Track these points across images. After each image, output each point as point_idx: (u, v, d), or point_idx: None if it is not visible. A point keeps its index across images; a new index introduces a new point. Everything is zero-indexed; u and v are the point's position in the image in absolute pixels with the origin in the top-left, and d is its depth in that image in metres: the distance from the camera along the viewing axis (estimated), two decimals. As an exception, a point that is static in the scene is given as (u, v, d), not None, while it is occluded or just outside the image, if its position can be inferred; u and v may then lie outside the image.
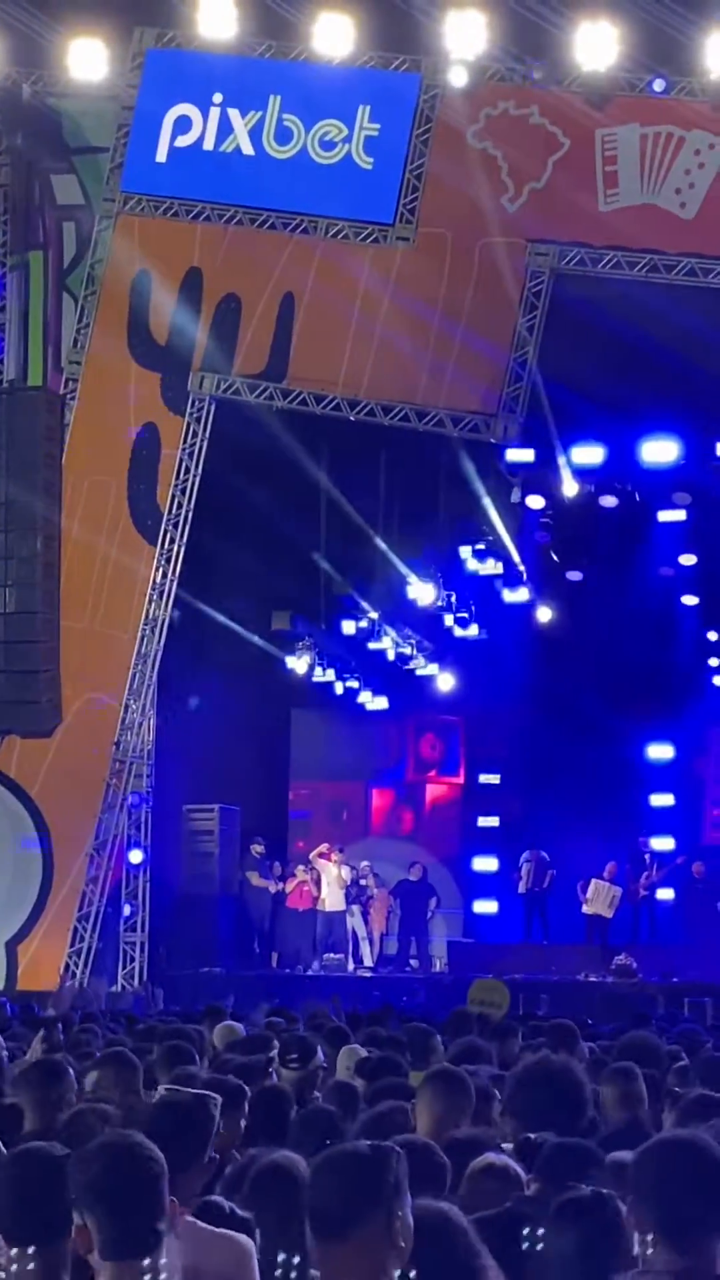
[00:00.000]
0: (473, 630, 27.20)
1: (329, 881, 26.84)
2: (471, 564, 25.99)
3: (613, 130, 22.07)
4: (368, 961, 27.29)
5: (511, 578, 26.31)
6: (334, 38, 22.16)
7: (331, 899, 26.82)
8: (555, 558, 26.50)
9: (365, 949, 27.56)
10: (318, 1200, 4.11)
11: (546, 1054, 6.75)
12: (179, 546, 23.53)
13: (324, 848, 27.30)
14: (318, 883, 26.95)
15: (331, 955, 26.24)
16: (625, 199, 22.19)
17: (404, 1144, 4.57)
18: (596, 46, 21.51)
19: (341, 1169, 4.12)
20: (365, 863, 28.92)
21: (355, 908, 27.58)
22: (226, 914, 25.94)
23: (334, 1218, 4.04)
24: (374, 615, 26.99)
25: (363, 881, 27.96)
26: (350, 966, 26.68)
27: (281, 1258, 5.03)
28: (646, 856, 27.90)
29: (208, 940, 25.26)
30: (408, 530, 26.39)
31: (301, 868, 27.67)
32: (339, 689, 28.31)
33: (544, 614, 27.20)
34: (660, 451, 23.23)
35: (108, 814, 23.00)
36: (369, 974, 26.10)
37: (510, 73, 22.26)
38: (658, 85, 21.77)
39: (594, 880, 26.91)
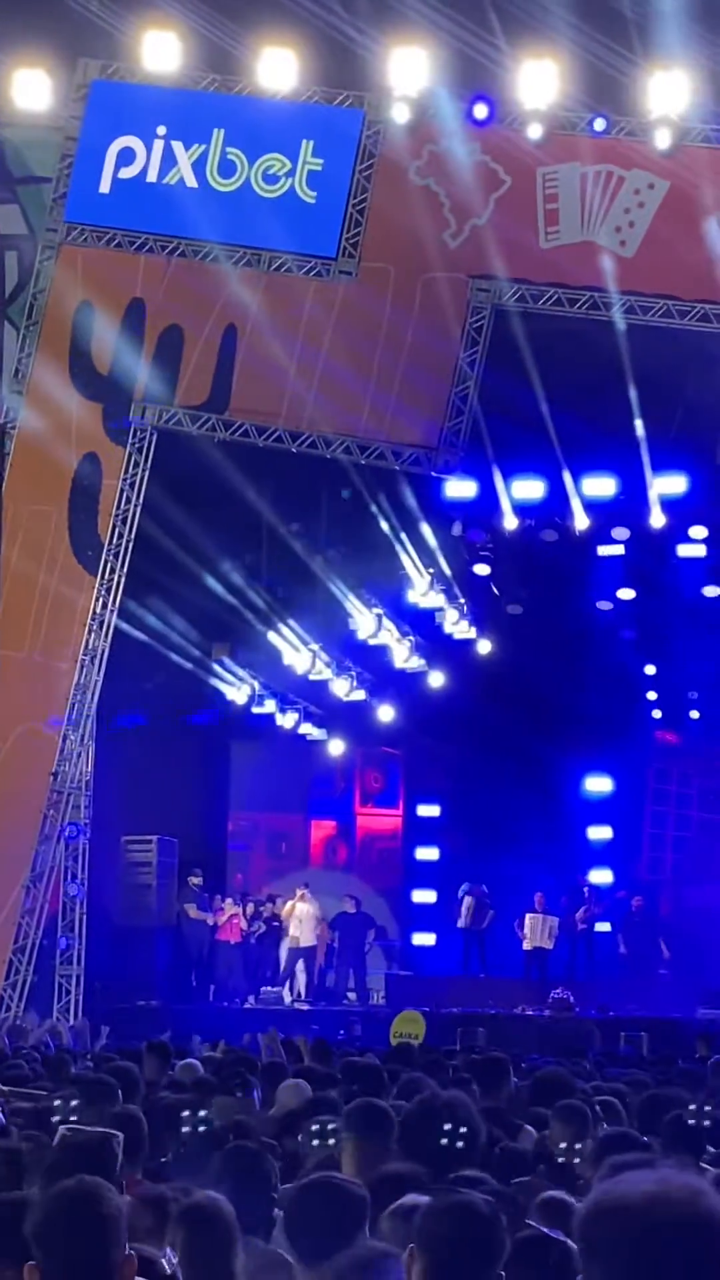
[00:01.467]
0: (414, 662, 27.23)
1: (301, 918, 26.89)
2: (412, 596, 26.05)
3: (554, 168, 22.25)
4: (304, 994, 27.22)
5: (452, 611, 26.39)
6: (278, 72, 22.28)
7: (305, 935, 26.92)
8: (495, 591, 26.58)
9: (301, 981, 27.49)
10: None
11: (432, 1092, 6.73)
12: (119, 577, 23.50)
13: (303, 890, 27.41)
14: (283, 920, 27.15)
15: (268, 989, 26.17)
16: (566, 237, 22.35)
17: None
18: (539, 85, 21.68)
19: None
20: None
21: (290, 939, 27.54)
22: (164, 946, 25.83)
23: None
24: (315, 647, 26.98)
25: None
26: (288, 999, 26.62)
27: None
28: (585, 890, 28.00)
29: (145, 973, 25.14)
30: (349, 562, 26.43)
31: (230, 900, 27.57)
32: (279, 720, 28.27)
33: (484, 647, 27.27)
34: (599, 487, 23.39)
35: (45, 845, 22.87)
36: (306, 1007, 26.03)
37: (453, 110, 22.38)
38: (598, 124, 21.94)
39: (527, 915, 26.97)
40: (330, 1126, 6.97)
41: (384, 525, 24.44)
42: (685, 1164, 5.59)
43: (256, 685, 27.44)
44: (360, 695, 27.93)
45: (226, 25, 21.79)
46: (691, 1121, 8.07)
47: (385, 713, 28.59)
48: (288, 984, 27.16)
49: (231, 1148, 7.53)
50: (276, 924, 27.56)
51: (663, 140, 21.60)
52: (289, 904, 27.15)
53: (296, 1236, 4.54)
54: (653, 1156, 6.17)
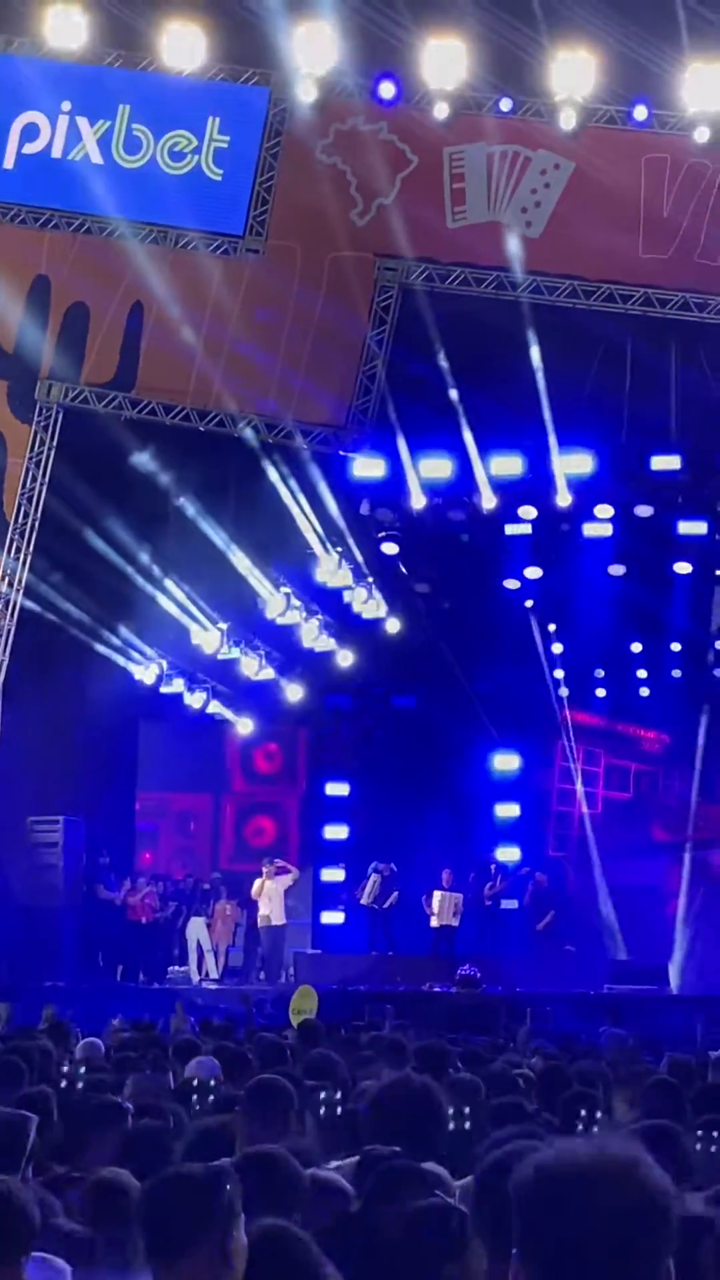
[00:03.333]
0: (322, 641, 27.25)
1: (271, 896, 26.62)
2: (320, 575, 26.05)
3: (460, 148, 22.30)
4: (213, 974, 27.22)
5: (360, 590, 26.43)
6: (183, 49, 22.16)
7: (275, 913, 26.63)
8: (403, 570, 26.64)
9: (210, 961, 27.49)
10: (151, 1223, 4.15)
11: (409, 1073, 6.78)
12: (26, 556, 23.34)
13: (269, 865, 27.00)
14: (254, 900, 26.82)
15: (176, 968, 26.12)
16: (473, 216, 22.42)
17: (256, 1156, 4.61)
18: (445, 65, 21.70)
19: (174, 1192, 4.16)
20: (216, 874, 28.90)
21: (199, 919, 27.51)
22: (70, 927, 25.70)
23: (167, 1241, 4.09)
24: (223, 626, 26.93)
25: (205, 888, 27.96)
26: (196, 979, 26.61)
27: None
28: (492, 867, 28.18)
29: (51, 953, 25.00)
30: (258, 541, 26.38)
31: (143, 880, 27.53)
32: (187, 700, 28.19)
33: (392, 626, 27.33)
34: (507, 466, 23.48)
35: (-50, 826, 22.73)
36: (214, 986, 26.03)
37: (359, 89, 22.37)
38: (504, 105, 22.01)
39: (435, 892, 27.12)
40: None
41: (292, 504, 24.43)
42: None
43: (164, 664, 27.35)
44: (269, 674, 27.92)
45: (131, 1, 21.64)
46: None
47: (293, 692, 28.60)
48: (197, 962, 27.15)
49: (139, 1126, 7.55)
50: (185, 905, 27.51)
51: (568, 121, 21.71)
52: (258, 882, 26.86)
53: (145, 1234, 4.38)
54: (537, 1128, 6.23)
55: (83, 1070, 8.38)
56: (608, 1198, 2.66)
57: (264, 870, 26.77)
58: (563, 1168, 2.70)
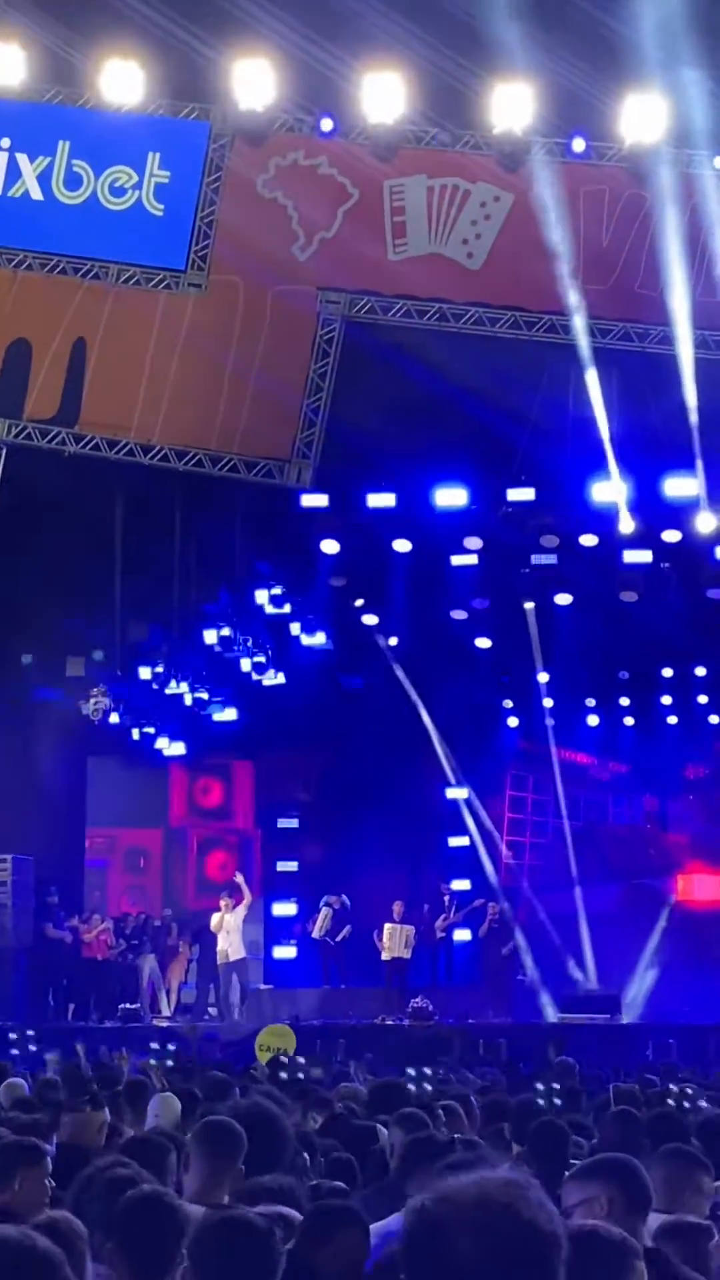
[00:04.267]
0: (270, 674, 27.20)
1: (230, 930, 26.39)
2: (268, 608, 26.05)
3: (400, 181, 22.38)
4: (165, 1011, 27.05)
5: (307, 622, 26.42)
6: (123, 84, 22.13)
7: (234, 948, 26.42)
8: (350, 602, 26.63)
9: (162, 998, 27.32)
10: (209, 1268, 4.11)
11: (256, 1100, 6.73)
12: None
13: (226, 899, 26.77)
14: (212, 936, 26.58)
15: (127, 1005, 25.93)
16: (414, 249, 22.50)
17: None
18: (384, 99, 21.77)
19: (234, 1237, 4.16)
20: (167, 911, 28.74)
21: (151, 956, 27.34)
22: (20, 966, 25.50)
23: None
24: (169, 660, 26.87)
25: (156, 925, 27.81)
26: (149, 1017, 26.43)
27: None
28: (446, 898, 28.13)
29: (0, 993, 24.81)
30: (204, 574, 26.37)
31: (97, 916, 27.38)
32: (135, 735, 28.11)
33: (339, 657, 27.31)
34: (451, 497, 23.52)
35: None
36: (165, 1023, 25.85)
37: (299, 123, 22.44)
38: (444, 138, 22.11)
39: (386, 925, 27.05)
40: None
41: (237, 537, 24.42)
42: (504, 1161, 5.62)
43: (110, 699, 27.25)
44: (216, 708, 27.85)
45: (69, 37, 21.64)
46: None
47: (242, 724, 28.52)
48: (150, 1000, 26.97)
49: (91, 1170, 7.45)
50: (137, 942, 27.35)
51: (507, 154, 21.80)
52: (216, 916, 26.65)
53: (120, 1257, 4.42)
54: (463, 1157, 6.20)
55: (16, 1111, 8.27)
56: (491, 1229, 2.66)
57: (221, 904, 26.63)
58: (444, 1203, 2.70)
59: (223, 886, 28.56)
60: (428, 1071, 11.73)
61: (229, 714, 28.12)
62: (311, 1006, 26.04)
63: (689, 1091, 11.63)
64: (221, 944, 26.37)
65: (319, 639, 26.64)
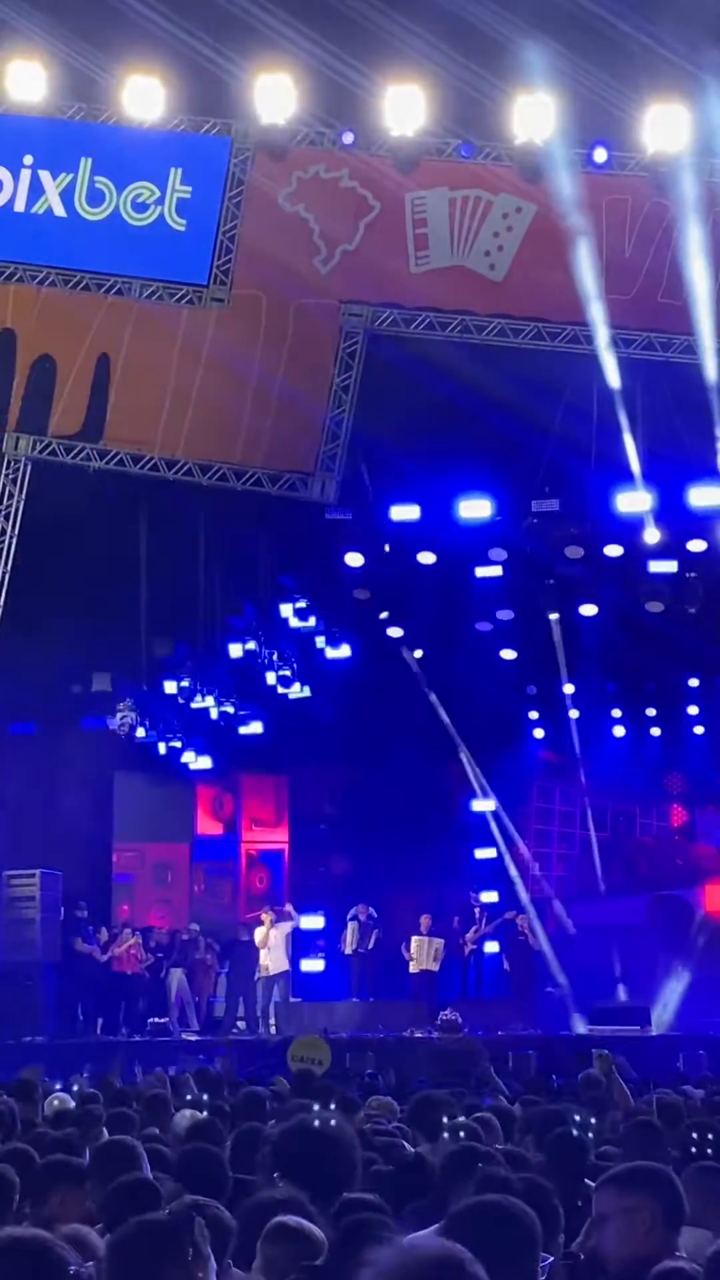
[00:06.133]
0: (295, 687, 27.21)
1: (271, 945, 26.54)
2: (293, 621, 26.05)
3: (422, 194, 22.38)
4: (193, 1025, 27.04)
5: (332, 635, 26.43)
6: (144, 100, 22.19)
7: (274, 962, 26.56)
8: (375, 614, 26.63)
9: (190, 1013, 27.31)
10: (119, 1269, 4.07)
11: (307, 1116, 6.69)
12: (-5, 608, 23.28)
13: (268, 912, 26.96)
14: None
15: (156, 1020, 25.93)
16: (436, 261, 22.50)
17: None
18: (405, 111, 21.78)
19: (143, 1238, 4.13)
20: (195, 925, 28.73)
21: (179, 970, 27.33)
22: (49, 981, 25.51)
23: None
24: (197, 675, 26.90)
25: (184, 939, 27.81)
26: (179, 1031, 26.41)
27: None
28: (476, 910, 28.08)
29: (29, 1008, 24.81)
30: (229, 588, 26.40)
31: (128, 931, 27.41)
32: (162, 750, 28.13)
33: (365, 670, 27.28)
34: (475, 509, 23.50)
35: None
36: (194, 1038, 25.84)
37: (320, 136, 22.47)
38: (465, 150, 22.11)
39: (414, 938, 27.02)
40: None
41: (262, 551, 24.45)
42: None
43: (138, 714, 27.29)
44: (242, 722, 27.87)
45: (90, 54, 21.69)
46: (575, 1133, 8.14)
47: (269, 738, 28.53)
48: (178, 1014, 26.96)
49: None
50: (163, 956, 27.36)
51: (529, 165, 21.79)
52: (260, 930, 26.82)
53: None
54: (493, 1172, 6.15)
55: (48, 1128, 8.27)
56: None
57: (264, 918, 26.74)
58: (392, 1270, 2.82)
59: (263, 899, 28.56)
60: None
61: (255, 728, 28.13)
62: (340, 1019, 26.00)
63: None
64: (263, 959, 26.48)
65: (344, 652, 26.63)
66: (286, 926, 26.81)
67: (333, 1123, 6.11)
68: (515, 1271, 3.99)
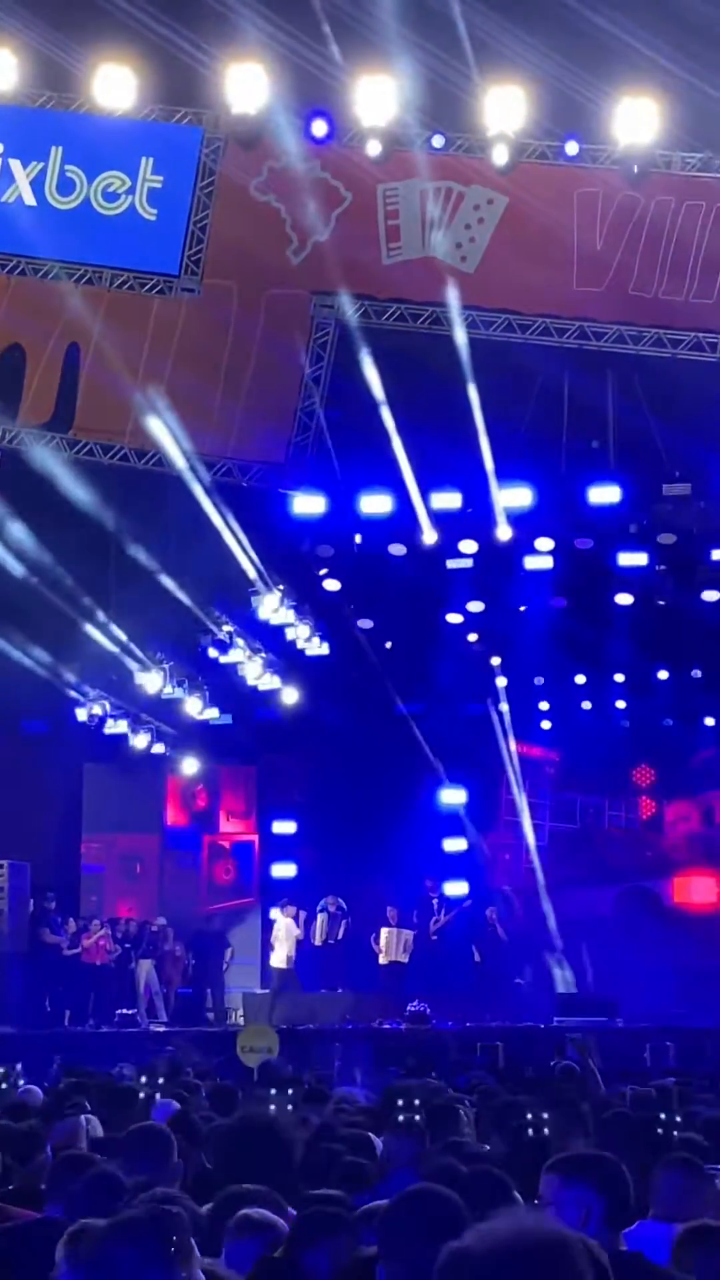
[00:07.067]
0: (266, 679, 27.17)
1: (284, 938, 26.68)
2: (263, 613, 26.00)
3: (394, 185, 22.36)
4: (162, 1016, 27.01)
5: (303, 626, 26.38)
6: (115, 89, 22.11)
7: (282, 957, 26.73)
8: (346, 606, 26.61)
9: (159, 1003, 27.28)
10: (105, 1266, 4.08)
11: (247, 1111, 6.71)
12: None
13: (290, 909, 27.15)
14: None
15: (124, 1011, 25.90)
16: (408, 252, 22.48)
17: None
18: (377, 102, 21.74)
19: (128, 1233, 4.12)
20: (161, 919, 28.69)
21: (147, 961, 27.30)
22: (16, 972, 25.47)
23: None
24: (166, 665, 26.83)
25: (153, 930, 27.79)
26: (146, 1022, 26.39)
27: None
28: (434, 901, 28.10)
29: (-3, 1000, 24.79)
30: (200, 579, 26.31)
31: (97, 922, 27.36)
32: (131, 740, 28.07)
33: (335, 662, 27.26)
34: (447, 501, 23.50)
35: None
36: (162, 1029, 25.82)
37: (292, 127, 22.40)
38: (437, 141, 22.08)
39: (383, 929, 27.05)
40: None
41: (232, 542, 24.37)
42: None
43: (108, 705, 27.23)
44: (213, 713, 27.82)
45: (62, 42, 21.61)
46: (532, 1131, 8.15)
47: (238, 730, 28.51)
48: (146, 1006, 26.93)
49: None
50: (131, 946, 27.33)
51: (500, 157, 21.78)
52: (282, 922, 26.99)
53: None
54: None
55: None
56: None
57: (284, 912, 26.92)
58: (481, 1251, 2.67)
59: (221, 890, 28.57)
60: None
61: (226, 719, 28.11)
62: (308, 1011, 25.99)
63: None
64: (278, 951, 26.68)
65: (315, 644, 26.60)
66: (292, 926, 27.02)
67: (274, 1114, 6.12)
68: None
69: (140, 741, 27.98)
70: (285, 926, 26.98)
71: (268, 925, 29.81)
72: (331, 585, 25.70)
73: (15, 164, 22.92)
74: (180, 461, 23.02)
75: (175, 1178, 6.67)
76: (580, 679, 29.00)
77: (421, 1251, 4.02)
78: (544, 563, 24.42)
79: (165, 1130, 7.27)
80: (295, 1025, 23.80)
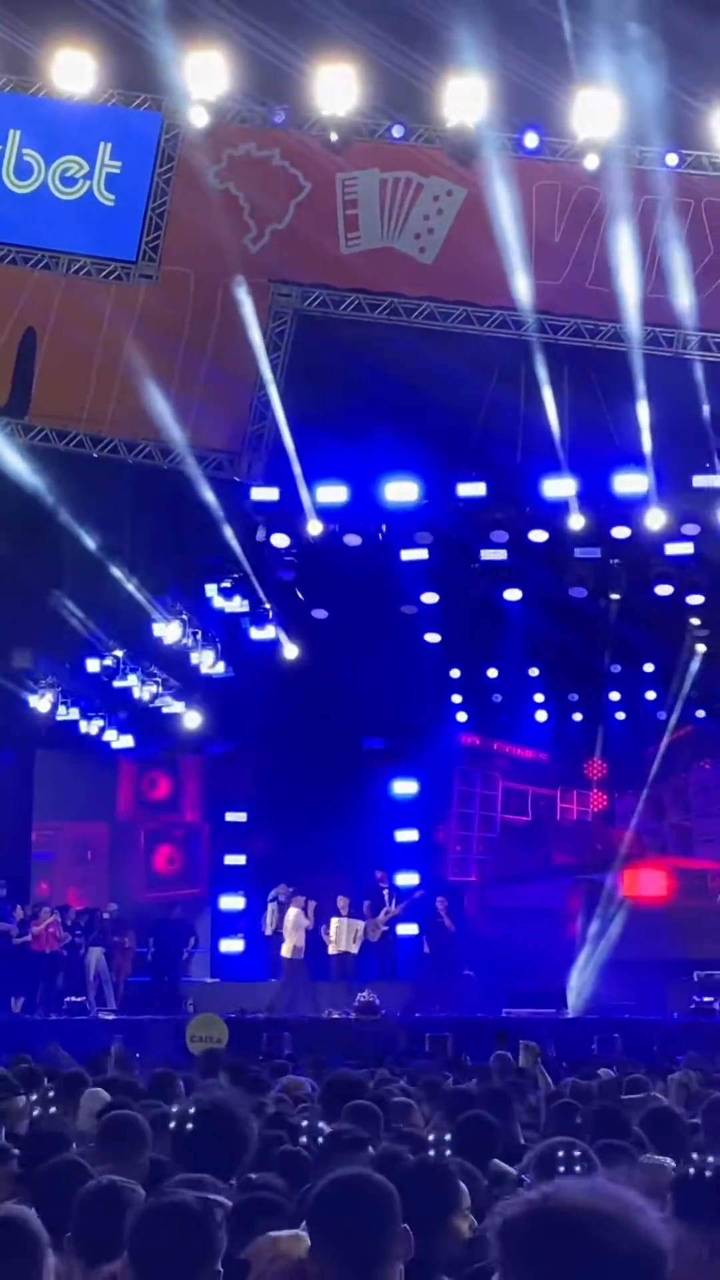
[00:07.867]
0: (219, 668, 27.13)
1: (294, 927, 26.68)
2: (217, 601, 25.95)
3: (353, 174, 22.33)
4: (111, 1004, 26.97)
5: (257, 615, 26.35)
6: (74, 74, 21.97)
7: (285, 948, 26.73)
8: (300, 595, 26.58)
9: (109, 991, 27.24)
10: (146, 1253, 4.06)
11: (206, 1097, 6.69)
12: None
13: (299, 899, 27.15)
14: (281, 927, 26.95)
15: (73, 999, 25.85)
16: (366, 242, 22.46)
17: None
18: (337, 91, 21.68)
19: (170, 1223, 4.09)
20: (113, 905, 28.64)
21: (98, 949, 27.25)
22: (-36, 959, 25.40)
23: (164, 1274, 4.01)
24: (119, 653, 26.77)
25: (104, 918, 27.74)
26: (95, 1010, 26.35)
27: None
28: (385, 891, 28.14)
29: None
30: (153, 567, 26.23)
31: (47, 909, 27.28)
32: (84, 728, 27.99)
33: (289, 651, 27.25)
34: (402, 491, 23.51)
35: None
36: (111, 1016, 25.78)
37: (251, 114, 22.36)
38: (396, 131, 22.06)
39: (333, 920, 27.08)
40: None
41: (187, 530, 24.32)
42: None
43: (60, 692, 27.14)
44: (165, 701, 27.77)
45: (20, 25, 21.48)
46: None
47: (190, 718, 28.46)
48: (95, 994, 26.88)
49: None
50: (79, 933, 27.27)
51: (460, 148, 21.77)
52: (293, 912, 27.00)
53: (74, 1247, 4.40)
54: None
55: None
56: (603, 1242, 2.63)
57: (294, 902, 26.94)
58: (557, 1210, 2.67)
59: (174, 879, 28.50)
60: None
61: (178, 707, 28.05)
62: (257, 1000, 26.00)
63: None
64: (290, 940, 26.68)
65: (268, 633, 26.57)
66: (300, 916, 27.04)
67: (226, 1101, 6.11)
68: (370, 1242, 4.03)
69: (92, 728, 27.89)
70: (294, 917, 26.96)
71: (218, 915, 29.84)
72: (286, 574, 25.65)
73: (-28, 147, 22.77)
74: (134, 449, 22.95)
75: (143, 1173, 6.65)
76: (534, 672, 29.05)
77: (348, 1235, 4.03)
78: (499, 555, 24.45)
79: (141, 1121, 7.24)
80: (247, 1014, 23.78)
